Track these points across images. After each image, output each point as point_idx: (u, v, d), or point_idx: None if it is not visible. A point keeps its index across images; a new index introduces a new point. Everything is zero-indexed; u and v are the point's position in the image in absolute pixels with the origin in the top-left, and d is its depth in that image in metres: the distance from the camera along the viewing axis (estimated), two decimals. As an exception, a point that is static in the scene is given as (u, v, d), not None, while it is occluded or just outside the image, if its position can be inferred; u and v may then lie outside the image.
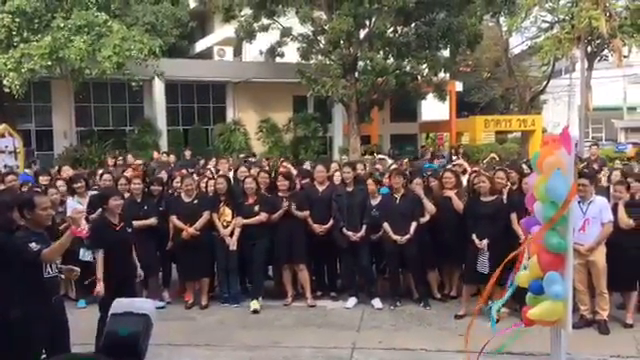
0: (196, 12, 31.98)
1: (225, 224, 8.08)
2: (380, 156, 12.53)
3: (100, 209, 6.08)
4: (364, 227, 7.86)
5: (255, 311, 7.77)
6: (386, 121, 30.62)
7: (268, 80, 25.95)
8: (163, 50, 21.97)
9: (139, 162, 12.52)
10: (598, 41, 28.19)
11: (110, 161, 13.58)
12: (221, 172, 10.23)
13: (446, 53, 23.92)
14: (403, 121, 31.50)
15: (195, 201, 8.04)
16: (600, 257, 6.83)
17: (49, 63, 19.17)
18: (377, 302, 7.98)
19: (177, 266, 8.53)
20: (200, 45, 32.85)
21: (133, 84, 20.81)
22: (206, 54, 31.26)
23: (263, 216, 7.94)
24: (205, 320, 7.64)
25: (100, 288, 5.47)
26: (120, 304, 2.43)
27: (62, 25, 19.23)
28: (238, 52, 29.43)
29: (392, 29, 21.82)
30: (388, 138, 31.05)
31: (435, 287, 8.37)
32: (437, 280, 8.52)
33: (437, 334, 7.04)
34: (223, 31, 28.39)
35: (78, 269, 4.98)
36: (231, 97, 27.66)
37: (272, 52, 23.48)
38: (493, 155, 11.03)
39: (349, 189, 8.10)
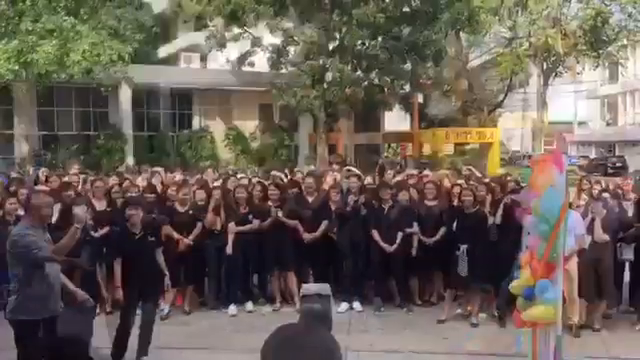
0: (159, 17, 31.86)
1: (216, 232, 8.34)
2: (347, 168, 12.51)
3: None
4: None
5: (233, 315, 8.06)
6: (350, 131, 31.14)
7: (234, 88, 26.15)
8: (132, 56, 21.94)
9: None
10: (554, 58, 29.45)
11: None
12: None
13: (409, 66, 24.64)
14: (366, 131, 32.10)
15: (190, 211, 8.25)
16: (572, 266, 7.37)
17: (16, 67, 18.95)
18: (357, 305, 8.41)
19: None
20: (163, 51, 32.74)
21: (102, 89, 20.71)
22: (170, 60, 31.20)
23: (255, 223, 8.23)
24: (199, 325, 7.87)
25: (119, 295, 5.65)
26: None
27: (30, 29, 19.03)
28: (204, 59, 29.53)
29: (361, 42, 22.41)
30: (352, 148, 31.57)
31: (416, 293, 8.81)
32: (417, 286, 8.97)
33: (422, 337, 7.46)
34: (188, 37, 28.49)
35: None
36: (197, 104, 27.72)
37: (242, 61, 23.73)
38: (469, 167, 11.56)
39: (355, 198, 8.48)
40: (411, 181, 9.72)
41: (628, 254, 7.76)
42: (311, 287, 2.80)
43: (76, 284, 5.16)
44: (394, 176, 11.09)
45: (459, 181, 9.72)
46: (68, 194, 8.38)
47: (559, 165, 4.90)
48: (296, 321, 1.92)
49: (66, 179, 10.32)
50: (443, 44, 23.33)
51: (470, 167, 11.49)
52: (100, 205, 8.18)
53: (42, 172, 12.00)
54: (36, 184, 9.77)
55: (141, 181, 10.48)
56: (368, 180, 10.38)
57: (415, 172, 11.60)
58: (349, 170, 11.52)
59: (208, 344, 7.12)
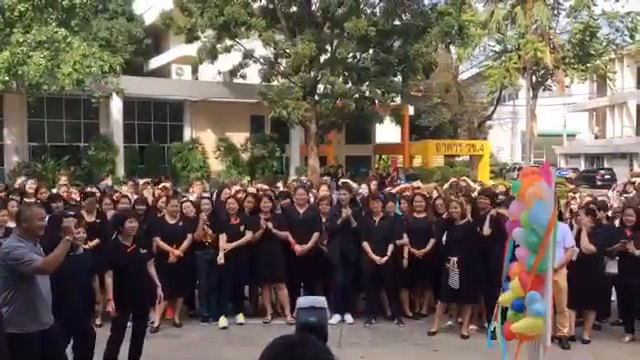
0: (151, 29, 31.90)
1: (207, 244, 8.33)
2: (343, 180, 12.52)
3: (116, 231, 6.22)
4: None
5: (224, 327, 8.03)
6: (341, 143, 31.31)
7: (226, 100, 26.21)
8: (123, 68, 21.95)
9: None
10: (542, 71, 29.74)
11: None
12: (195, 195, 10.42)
13: (399, 79, 24.83)
14: (357, 143, 32.25)
15: (180, 223, 8.24)
16: (561, 278, 7.42)
17: (7, 78, 18.91)
18: (349, 317, 8.40)
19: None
20: (155, 62, 32.75)
21: (93, 101, 20.69)
22: (161, 71, 31.21)
23: (249, 236, 8.23)
24: (189, 337, 7.85)
25: (111, 308, 5.64)
26: None
27: (21, 40, 19.00)
28: (195, 71, 29.58)
29: (352, 55, 22.57)
30: (343, 159, 31.72)
31: (407, 305, 8.83)
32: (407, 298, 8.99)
33: (413, 350, 7.48)
34: (179, 49, 28.50)
35: None
36: (189, 116, 27.74)
37: (233, 73, 23.81)
38: (454, 179, 11.63)
39: (346, 210, 8.44)
40: (405, 194, 9.76)
41: (612, 268, 7.82)
42: (306, 300, 2.84)
43: (74, 294, 5.14)
44: (384, 186, 11.13)
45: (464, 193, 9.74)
46: (56, 206, 8.41)
47: (548, 178, 4.96)
48: (290, 333, 1.94)
49: (54, 190, 10.30)
50: (433, 57, 23.53)
51: (465, 178, 11.56)
52: (89, 217, 8.16)
53: (29, 184, 11.74)
54: (24, 196, 9.67)
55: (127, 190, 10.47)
56: (364, 190, 10.40)
57: (409, 185, 11.65)
58: (344, 183, 11.48)
59: (199, 357, 7.10)
